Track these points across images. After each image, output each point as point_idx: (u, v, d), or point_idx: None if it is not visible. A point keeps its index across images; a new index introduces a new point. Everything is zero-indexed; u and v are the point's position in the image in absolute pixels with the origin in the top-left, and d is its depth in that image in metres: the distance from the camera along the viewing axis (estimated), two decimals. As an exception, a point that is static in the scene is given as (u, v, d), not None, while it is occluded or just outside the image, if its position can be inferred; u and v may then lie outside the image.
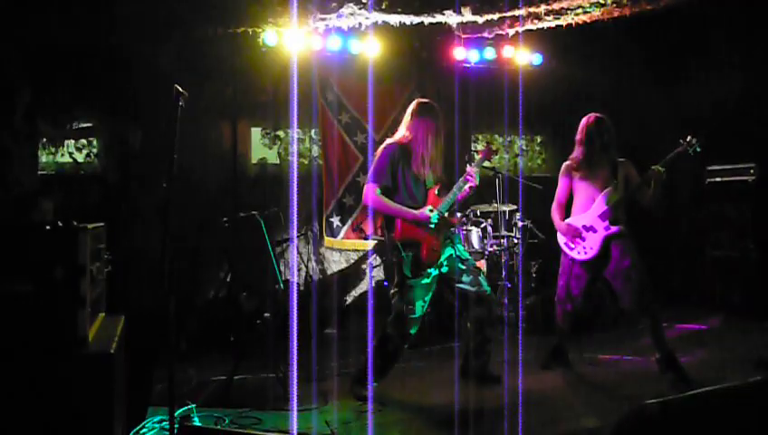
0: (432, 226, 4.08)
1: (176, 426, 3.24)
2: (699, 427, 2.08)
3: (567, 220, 4.66)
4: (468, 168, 4.21)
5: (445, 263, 4.19)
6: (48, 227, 1.93)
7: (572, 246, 4.59)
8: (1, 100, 2.96)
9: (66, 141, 6.10)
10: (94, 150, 6.19)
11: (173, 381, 2.76)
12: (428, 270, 4.11)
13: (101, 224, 2.36)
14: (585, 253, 4.53)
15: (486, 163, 4.58)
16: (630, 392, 4.15)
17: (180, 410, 3.71)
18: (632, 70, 7.34)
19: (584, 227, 4.54)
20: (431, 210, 4.10)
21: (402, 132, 4.25)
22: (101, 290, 2.30)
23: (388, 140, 4.26)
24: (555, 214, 4.70)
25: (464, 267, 4.21)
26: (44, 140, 5.91)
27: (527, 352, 5.11)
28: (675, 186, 7.26)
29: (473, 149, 7.43)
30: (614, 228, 4.46)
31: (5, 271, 1.89)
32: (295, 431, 3.55)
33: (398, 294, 4.15)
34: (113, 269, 3.08)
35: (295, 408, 3.88)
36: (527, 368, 4.65)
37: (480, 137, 7.60)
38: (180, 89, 2.90)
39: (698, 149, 4.43)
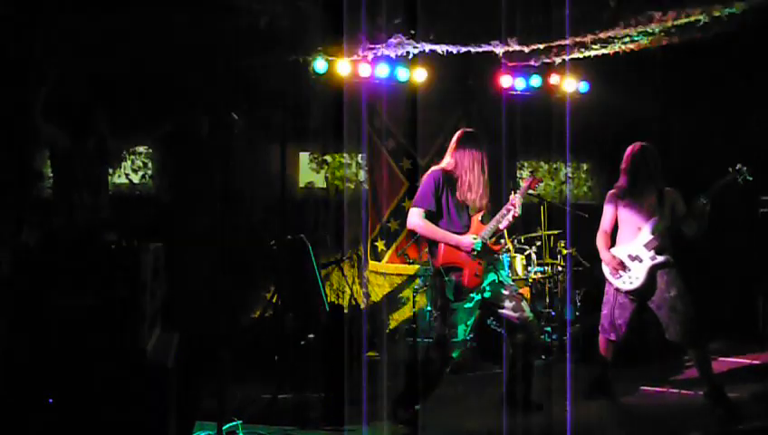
0: (474, 253, 4.13)
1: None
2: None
3: (612, 249, 4.63)
4: (512, 196, 4.26)
5: (487, 288, 4.22)
6: (113, 246, 2.05)
7: (618, 275, 4.56)
8: (75, 125, 3.15)
9: (123, 163, 6.37)
10: (149, 172, 6.43)
11: (223, 396, 2.86)
12: (471, 295, 4.14)
13: (160, 244, 2.49)
14: (630, 283, 4.49)
15: (531, 191, 4.60)
16: (675, 427, 4.08)
17: (227, 426, 3.80)
18: (681, 98, 7.28)
19: (630, 256, 4.51)
20: (474, 238, 4.14)
21: (447, 160, 4.33)
22: (158, 307, 2.42)
23: (434, 167, 4.34)
24: (600, 242, 4.68)
25: (506, 293, 4.22)
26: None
27: (571, 381, 5.06)
28: (728, 216, 7.13)
29: (518, 176, 7.45)
30: (660, 258, 4.42)
31: (74, 286, 2.01)
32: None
33: (440, 317, 4.20)
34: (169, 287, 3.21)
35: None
36: (571, 397, 4.61)
37: (526, 164, 7.62)
38: (235, 116, 3.03)
39: (749, 178, 4.37)
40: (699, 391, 4.41)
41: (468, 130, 4.43)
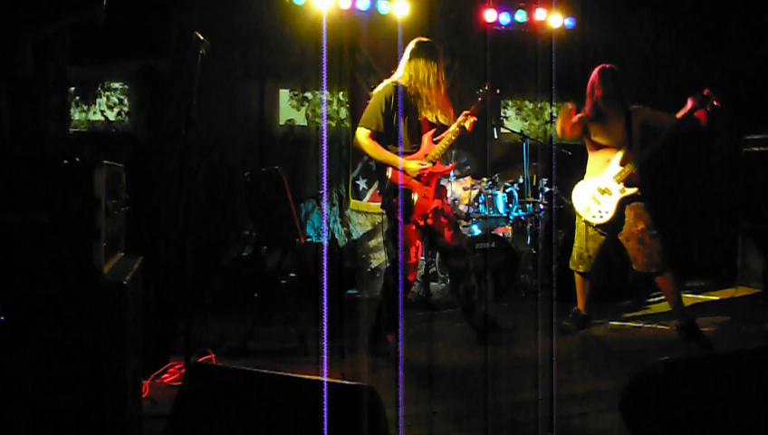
0: (417, 178, 4.00)
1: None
2: (709, 387, 2.06)
3: (581, 182, 4.59)
4: (463, 115, 4.07)
5: (430, 214, 4.13)
6: (66, 162, 1.97)
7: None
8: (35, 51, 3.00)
9: (98, 100, 6.21)
10: (125, 109, 6.28)
11: (190, 328, 2.83)
12: (420, 216, 4.05)
13: (120, 165, 2.41)
14: (600, 217, 4.46)
15: (515, 127, 4.52)
16: (649, 358, 4.10)
17: (200, 360, 3.79)
18: (669, 35, 7.14)
19: (599, 189, 4.47)
20: (421, 163, 4.01)
21: (400, 73, 4.11)
22: (119, 228, 2.35)
23: (386, 81, 4.12)
24: None
25: (446, 221, 4.18)
26: (77, 97, 6.02)
27: (549, 317, 5.08)
28: (712, 156, 7.10)
29: (502, 115, 7.34)
30: (629, 191, 4.38)
31: (25, 203, 1.94)
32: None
33: (391, 241, 4.11)
34: (144, 223, 3.14)
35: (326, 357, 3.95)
36: (545, 332, 4.63)
37: (510, 102, 7.50)
38: (200, 36, 2.91)
39: (714, 105, 4.24)
40: (672, 324, 4.44)
41: (423, 39, 4.19)
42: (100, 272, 1.95)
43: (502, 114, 7.23)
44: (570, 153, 6.13)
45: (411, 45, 4.15)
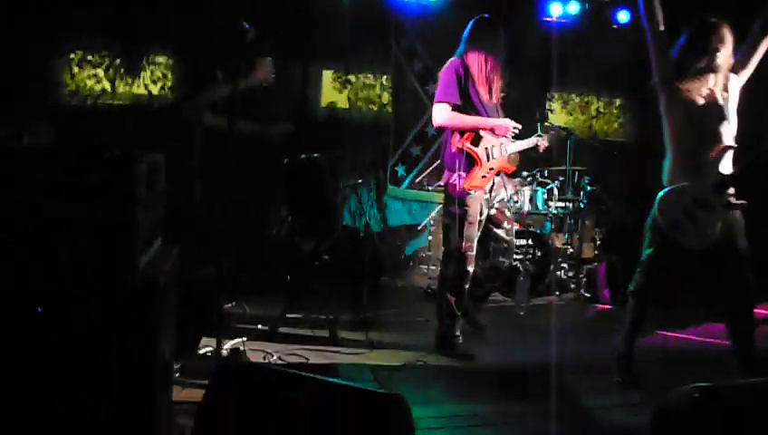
0: (511, 135, 4.00)
1: (224, 353, 3.36)
2: (745, 417, 1.98)
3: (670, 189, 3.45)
4: (540, 139, 4.21)
5: (496, 205, 4.21)
6: (105, 157, 1.97)
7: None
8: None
9: (143, 73, 6.26)
10: (168, 83, 6.32)
11: (222, 312, 2.84)
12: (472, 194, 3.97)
13: (160, 155, 2.41)
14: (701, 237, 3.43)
15: (559, 121, 4.49)
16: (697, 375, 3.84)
17: (231, 343, 3.82)
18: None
19: (696, 200, 3.39)
20: (515, 126, 4.02)
21: (462, 50, 4.01)
22: (157, 218, 2.36)
23: (454, 57, 4.04)
24: None
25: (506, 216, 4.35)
26: (122, 70, 6.08)
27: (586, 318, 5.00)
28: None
29: (547, 108, 7.20)
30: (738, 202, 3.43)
31: (64, 196, 1.95)
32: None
33: (455, 229, 3.99)
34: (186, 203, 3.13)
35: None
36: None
37: (556, 96, 7.35)
38: (246, 24, 2.89)
39: None
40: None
41: (482, 18, 4.04)
42: (135, 268, 1.96)
43: (546, 107, 7.08)
44: (615, 152, 6.00)
45: (472, 23, 4.05)
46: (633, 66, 6.85)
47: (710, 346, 4.53)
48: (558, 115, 7.27)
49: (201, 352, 3.70)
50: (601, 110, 7.56)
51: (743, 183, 3.34)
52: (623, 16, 6.82)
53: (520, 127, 4.02)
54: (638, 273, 3.55)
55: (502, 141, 4.01)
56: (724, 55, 3.32)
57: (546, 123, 5.98)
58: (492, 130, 3.97)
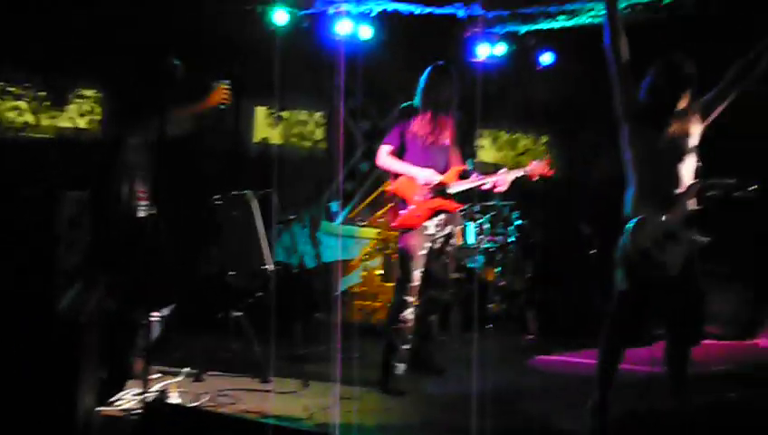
0: (429, 189, 4.09)
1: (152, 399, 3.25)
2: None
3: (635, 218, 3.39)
4: (504, 175, 4.23)
5: (442, 240, 4.25)
6: (25, 195, 1.92)
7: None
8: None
9: (69, 106, 6.11)
10: (97, 117, 6.19)
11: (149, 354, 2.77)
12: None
13: (84, 192, 2.35)
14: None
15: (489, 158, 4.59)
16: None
17: (159, 385, 3.70)
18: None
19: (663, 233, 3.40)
20: (439, 178, 4.10)
21: (419, 98, 4.22)
22: (80, 257, 2.29)
23: (405, 104, 4.26)
24: None
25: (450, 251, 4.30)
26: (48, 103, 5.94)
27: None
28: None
29: (475, 144, 7.38)
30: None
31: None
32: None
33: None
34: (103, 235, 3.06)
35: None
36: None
37: (486, 133, 7.56)
38: (176, 61, 2.88)
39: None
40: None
41: (439, 64, 4.27)
42: (54, 309, 1.90)
43: (474, 144, 7.26)
44: (542, 185, 6.18)
45: (428, 71, 4.25)
46: (558, 104, 7.15)
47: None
48: (488, 151, 7.47)
49: (127, 395, 3.57)
50: (529, 146, 7.82)
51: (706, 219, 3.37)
52: (547, 58, 7.09)
53: (438, 180, 4.11)
54: (612, 312, 3.43)
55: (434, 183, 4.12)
56: (688, 95, 3.38)
57: (475, 160, 6.16)
58: (413, 178, 4.12)
